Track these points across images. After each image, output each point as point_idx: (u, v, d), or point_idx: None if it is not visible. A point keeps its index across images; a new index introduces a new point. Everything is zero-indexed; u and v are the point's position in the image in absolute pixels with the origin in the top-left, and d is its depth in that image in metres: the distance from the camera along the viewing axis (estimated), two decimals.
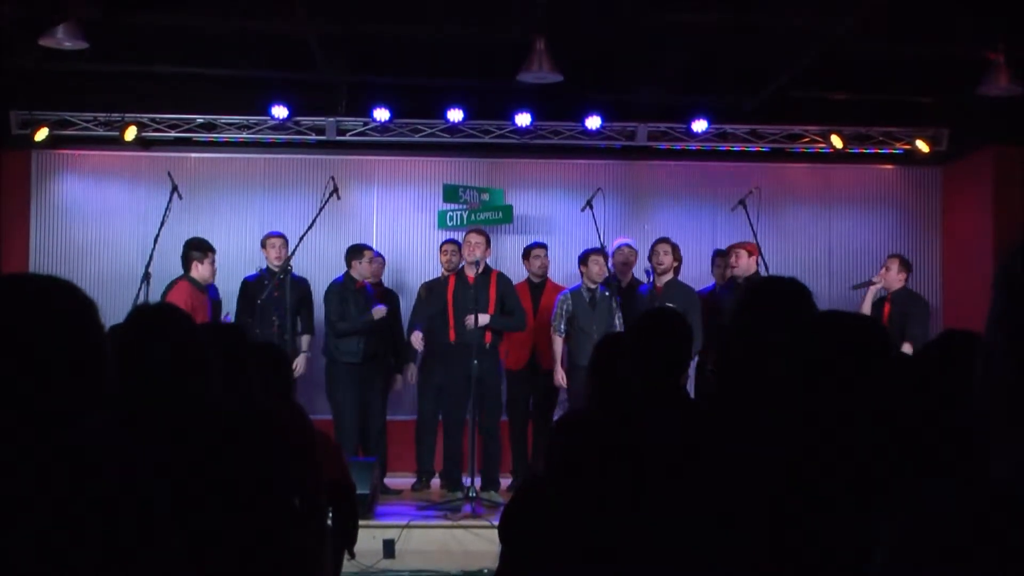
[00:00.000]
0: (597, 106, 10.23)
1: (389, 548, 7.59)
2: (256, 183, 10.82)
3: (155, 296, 8.43)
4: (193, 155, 10.72)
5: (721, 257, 9.55)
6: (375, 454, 8.91)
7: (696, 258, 10.44)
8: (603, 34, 8.91)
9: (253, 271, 9.34)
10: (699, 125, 10.36)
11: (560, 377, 8.80)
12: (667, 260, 8.86)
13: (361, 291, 9.06)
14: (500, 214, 10.41)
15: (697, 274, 10.03)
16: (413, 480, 9.47)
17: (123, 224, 10.61)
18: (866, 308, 8.82)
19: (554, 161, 10.95)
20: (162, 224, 8.90)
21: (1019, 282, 1.19)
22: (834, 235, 11.08)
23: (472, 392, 8.47)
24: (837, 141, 10.54)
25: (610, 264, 9.17)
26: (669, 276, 8.89)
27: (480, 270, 8.67)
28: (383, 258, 9.89)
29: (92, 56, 8.68)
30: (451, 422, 8.93)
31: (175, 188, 9.15)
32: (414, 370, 9.48)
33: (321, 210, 9.09)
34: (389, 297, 9.71)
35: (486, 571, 7.38)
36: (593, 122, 10.28)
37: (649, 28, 8.61)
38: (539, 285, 9.43)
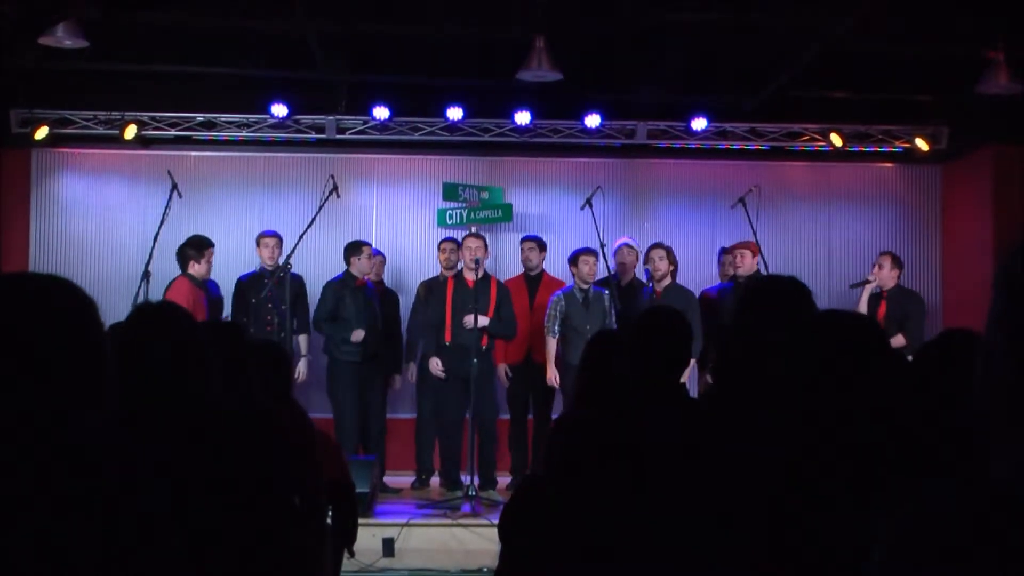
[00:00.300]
0: (597, 104, 10.22)
1: (389, 547, 7.59)
2: (256, 181, 10.82)
3: (155, 295, 8.45)
4: (193, 153, 10.71)
5: (727, 255, 9.55)
6: (375, 453, 8.91)
7: (696, 257, 10.45)
8: (603, 33, 8.92)
9: (249, 270, 9.33)
10: (699, 123, 10.35)
11: (553, 377, 8.80)
12: (663, 266, 8.85)
13: (362, 289, 9.05)
14: (500, 212, 10.41)
15: (697, 274, 10.03)
16: (412, 479, 9.48)
17: (123, 222, 10.61)
18: (862, 307, 8.82)
19: (554, 159, 10.94)
20: (162, 222, 8.91)
21: (1019, 282, 1.19)
22: (833, 233, 11.08)
23: (471, 392, 8.47)
24: (837, 139, 10.54)
25: (612, 264, 9.18)
26: (668, 281, 8.89)
27: (480, 275, 8.67)
28: (383, 256, 9.89)
29: (92, 55, 8.68)
30: (448, 422, 8.94)
31: (175, 186, 9.16)
32: (414, 369, 9.48)
33: (321, 208, 9.09)
34: (388, 297, 9.71)
35: (485, 570, 7.39)
36: (593, 120, 10.28)
37: (649, 27, 8.60)
38: (535, 279, 9.42)
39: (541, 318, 9.02)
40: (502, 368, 9.13)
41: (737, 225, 9.70)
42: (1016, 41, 8.51)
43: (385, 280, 9.93)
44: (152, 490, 1.71)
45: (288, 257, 8.87)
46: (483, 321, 8.63)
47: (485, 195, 10.46)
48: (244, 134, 10.55)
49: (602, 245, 9.02)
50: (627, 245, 9.45)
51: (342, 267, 9.21)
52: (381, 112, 10.20)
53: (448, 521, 7.93)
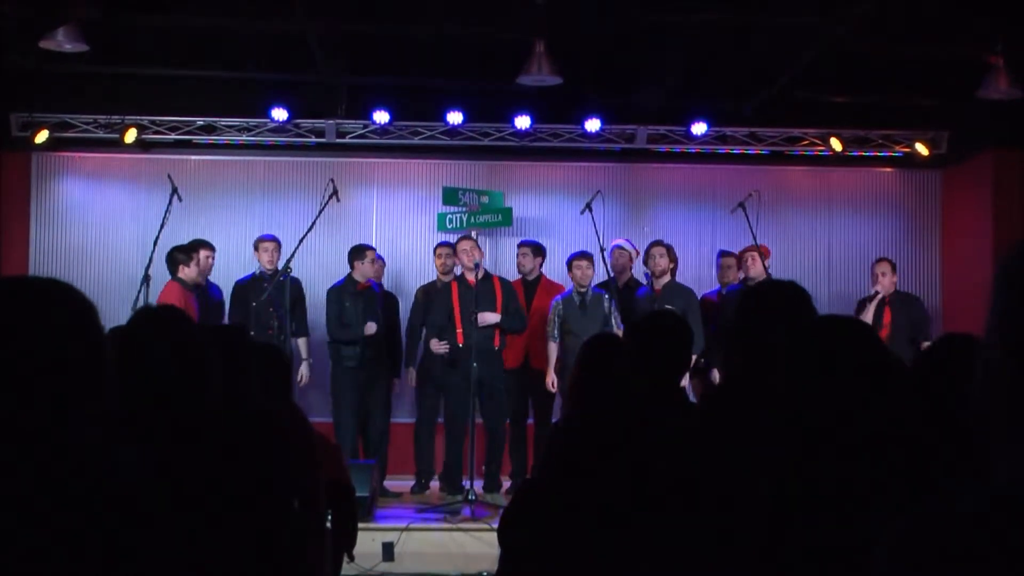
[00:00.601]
0: (596, 109, 10.23)
1: (388, 551, 7.58)
2: (256, 185, 10.82)
3: (154, 299, 8.45)
4: (193, 157, 10.72)
5: (726, 258, 9.55)
6: (376, 456, 8.91)
7: (696, 260, 10.46)
8: (602, 37, 8.92)
9: (246, 274, 9.34)
10: (698, 128, 10.36)
11: (551, 382, 8.82)
12: (663, 263, 8.88)
13: (365, 292, 9.06)
14: (500, 217, 10.41)
15: (697, 276, 10.03)
16: (412, 483, 9.47)
17: (123, 226, 10.61)
18: (867, 318, 8.78)
19: (554, 164, 10.95)
20: (162, 226, 8.91)
21: (1019, 282, 1.19)
22: (834, 238, 11.08)
23: (472, 394, 8.47)
24: (836, 144, 10.55)
25: (609, 266, 9.19)
26: (667, 279, 8.91)
27: (481, 275, 8.68)
28: (383, 260, 9.90)
29: (92, 58, 8.68)
30: (453, 425, 8.92)
31: (175, 190, 9.16)
32: (413, 373, 9.47)
33: (321, 212, 9.09)
34: (388, 300, 9.71)
35: (485, 574, 7.38)
36: (593, 125, 10.29)
37: (648, 31, 8.61)
38: (532, 283, 9.42)
39: (538, 322, 9.02)
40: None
41: (737, 230, 9.71)
42: (1016, 46, 8.52)
43: (385, 284, 9.93)
44: (152, 490, 1.71)
45: (288, 261, 8.87)
46: (494, 318, 8.64)
47: (485, 199, 10.46)
48: (244, 138, 10.56)
49: (602, 249, 9.03)
50: (619, 247, 9.46)
51: (342, 271, 9.21)
52: (381, 116, 10.20)
53: (448, 525, 7.93)
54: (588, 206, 9.18)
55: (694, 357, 8.20)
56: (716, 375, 8.42)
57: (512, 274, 9.60)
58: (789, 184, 11.06)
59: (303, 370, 9.13)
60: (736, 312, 3.26)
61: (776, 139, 10.69)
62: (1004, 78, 8.66)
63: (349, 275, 9.08)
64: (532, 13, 7.99)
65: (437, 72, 9.87)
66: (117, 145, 10.35)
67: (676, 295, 8.73)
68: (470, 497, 8.25)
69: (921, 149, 10.61)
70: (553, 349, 8.85)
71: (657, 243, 9.05)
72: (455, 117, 10.20)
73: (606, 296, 8.86)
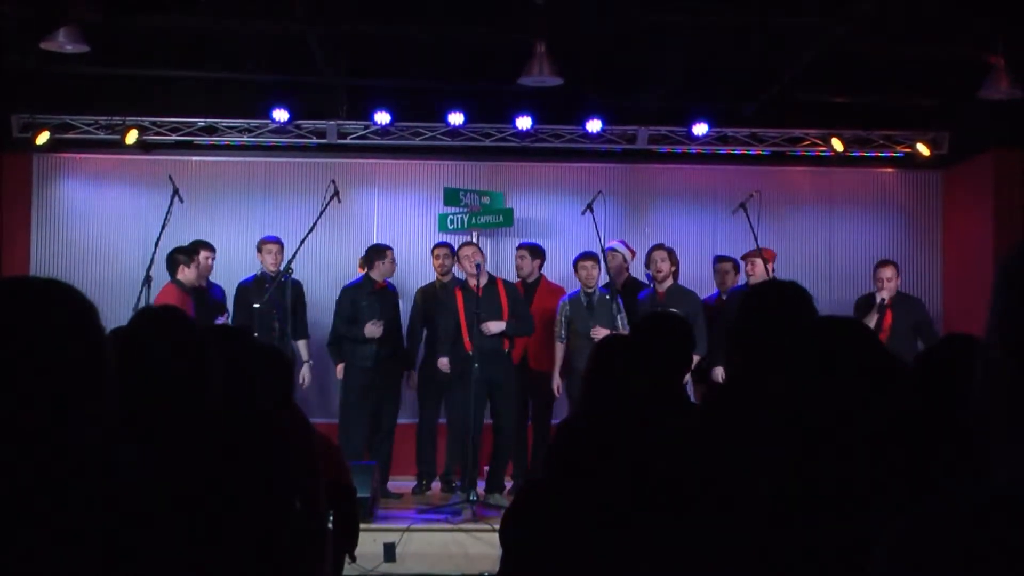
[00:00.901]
0: (597, 109, 10.23)
1: (390, 551, 7.58)
2: (257, 186, 10.83)
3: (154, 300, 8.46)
4: (194, 158, 10.72)
5: (721, 263, 9.54)
6: (380, 453, 8.94)
7: (697, 262, 10.45)
8: (603, 37, 8.92)
9: (248, 275, 9.35)
10: (699, 128, 10.36)
11: (556, 385, 8.81)
12: (664, 267, 8.86)
13: (382, 292, 9.07)
14: (501, 217, 10.42)
15: (698, 278, 10.03)
16: (414, 483, 9.46)
17: (124, 228, 10.61)
18: (870, 323, 8.73)
19: (555, 164, 10.95)
20: (163, 228, 8.91)
21: (1019, 282, 1.19)
22: (835, 238, 11.08)
23: (478, 395, 8.46)
24: (837, 144, 10.55)
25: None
26: (669, 282, 8.90)
27: (484, 280, 8.66)
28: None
29: (93, 59, 8.69)
30: (455, 426, 8.91)
31: (176, 191, 9.16)
32: (414, 376, 9.47)
33: (322, 214, 9.09)
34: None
35: (487, 574, 7.37)
36: (594, 125, 10.29)
37: (649, 31, 8.61)
38: (532, 285, 9.40)
39: (538, 324, 9.02)
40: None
41: (738, 230, 9.71)
42: (1017, 46, 8.51)
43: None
44: (152, 490, 1.71)
45: (289, 262, 8.88)
46: (499, 326, 8.62)
47: (486, 200, 10.46)
48: (245, 139, 10.57)
49: (602, 250, 9.03)
50: (612, 249, 9.41)
51: (343, 271, 9.23)
52: (382, 117, 10.20)
53: (449, 526, 7.93)
54: (589, 207, 9.18)
55: (696, 359, 8.21)
56: (718, 374, 8.42)
57: (512, 276, 9.59)
58: (790, 185, 11.06)
59: (304, 372, 9.14)
60: (737, 312, 3.27)
61: (777, 140, 10.69)
62: (1005, 78, 8.65)
63: (366, 274, 9.08)
64: (533, 14, 7.99)
65: (438, 73, 9.87)
66: (118, 146, 10.36)
67: (680, 299, 8.70)
68: (471, 498, 8.24)
69: (922, 149, 10.61)
70: (560, 350, 8.84)
71: (658, 247, 9.02)
72: (456, 118, 10.21)
73: (608, 297, 8.84)
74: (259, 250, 9.27)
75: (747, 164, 10.83)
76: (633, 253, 9.57)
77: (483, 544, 7.59)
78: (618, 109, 10.36)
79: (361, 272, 9.68)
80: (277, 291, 8.80)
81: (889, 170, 11.12)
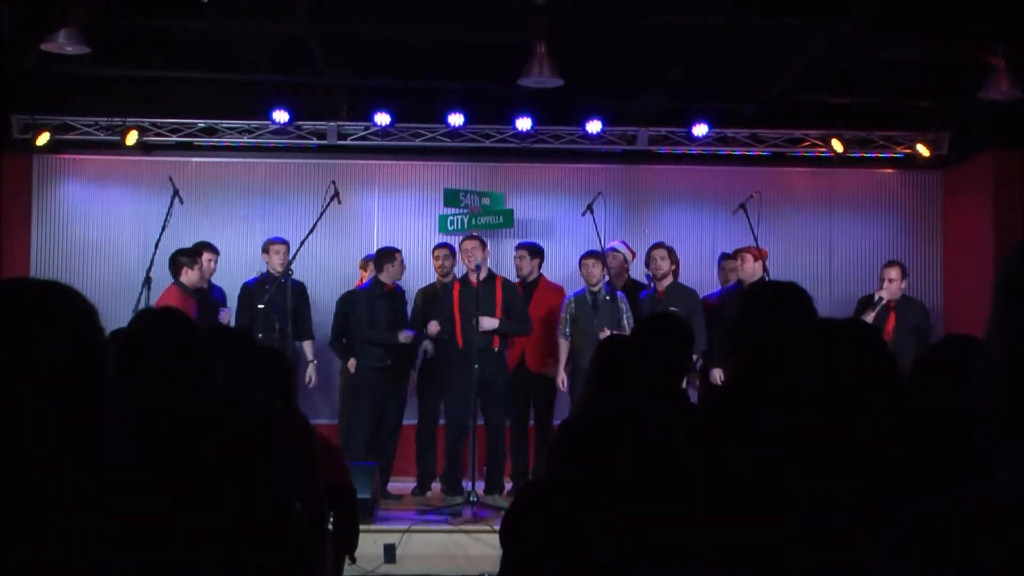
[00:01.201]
0: (598, 110, 10.24)
1: (390, 552, 7.59)
2: (257, 187, 10.83)
3: (154, 303, 8.45)
4: (194, 159, 10.73)
5: (727, 260, 9.55)
6: (385, 453, 8.98)
7: (697, 262, 10.46)
8: (603, 38, 8.92)
9: (252, 276, 9.35)
10: (700, 129, 10.37)
11: (561, 380, 8.82)
12: (664, 265, 8.87)
13: (391, 295, 9.07)
14: (501, 218, 10.42)
15: (699, 278, 10.03)
16: (414, 484, 9.46)
17: (124, 229, 10.61)
18: (870, 321, 8.72)
19: (555, 165, 10.95)
20: (163, 229, 8.91)
21: (1019, 283, 1.19)
22: (835, 239, 11.08)
23: (475, 396, 8.46)
24: (838, 145, 10.55)
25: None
26: (669, 280, 8.90)
27: (484, 275, 8.66)
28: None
29: (93, 60, 8.69)
30: (454, 426, 8.91)
31: (176, 193, 9.16)
32: (414, 376, 9.47)
33: (322, 215, 9.09)
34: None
35: (487, 575, 7.38)
36: (594, 126, 10.29)
37: (649, 32, 8.62)
38: (531, 285, 9.40)
39: (535, 324, 9.02)
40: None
41: (738, 231, 9.70)
42: (1017, 46, 8.52)
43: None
44: (152, 491, 1.71)
45: (289, 263, 8.90)
46: (492, 323, 8.62)
47: (486, 201, 10.46)
48: (245, 140, 10.57)
49: (602, 250, 9.03)
50: (612, 250, 9.41)
51: (343, 272, 9.23)
52: (382, 118, 10.21)
53: (449, 527, 7.93)
54: (589, 208, 9.18)
55: (695, 357, 8.23)
56: (716, 375, 8.43)
57: (512, 276, 9.59)
58: (790, 185, 11.06)
59: (310, 371, 9.19)
60: (737, 312, 3.27)
61: (777, 140, 10.69)
62: (1005, 79, 8.66)
63: (375, 278, 9.08)
64: (533, 14, 7.99)
65: (438, 74, 9.88)
66: (118, 147, 10.36)
67: (680, 296, 8.74)
68: (471, 499, 8.25)
69: (922, 150, 10.61)
70: (564, 347, 8.84)
71: (658, 245, 9.03)
72: (456, 119, 10.21)
73: (621, 296, 8.83)
74: (265, 251, 9.28)
75: (747, 165, 10.84)
76: (634, 254, 9.57)
77: (483, 545, 7.59)
78: (618, 110, 10.37)
79: (362, 274, 9.70)
80: (277, 292, 8.81)
81: (889, 171, 11.13)
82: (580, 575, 3.08)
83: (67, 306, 1.77)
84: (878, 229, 11.03)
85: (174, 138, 10.49)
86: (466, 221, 10.32)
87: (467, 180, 10.83)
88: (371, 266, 9.38)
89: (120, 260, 10.48)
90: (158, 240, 8.83)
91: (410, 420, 9.64)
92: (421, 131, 10.54)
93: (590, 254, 8.95)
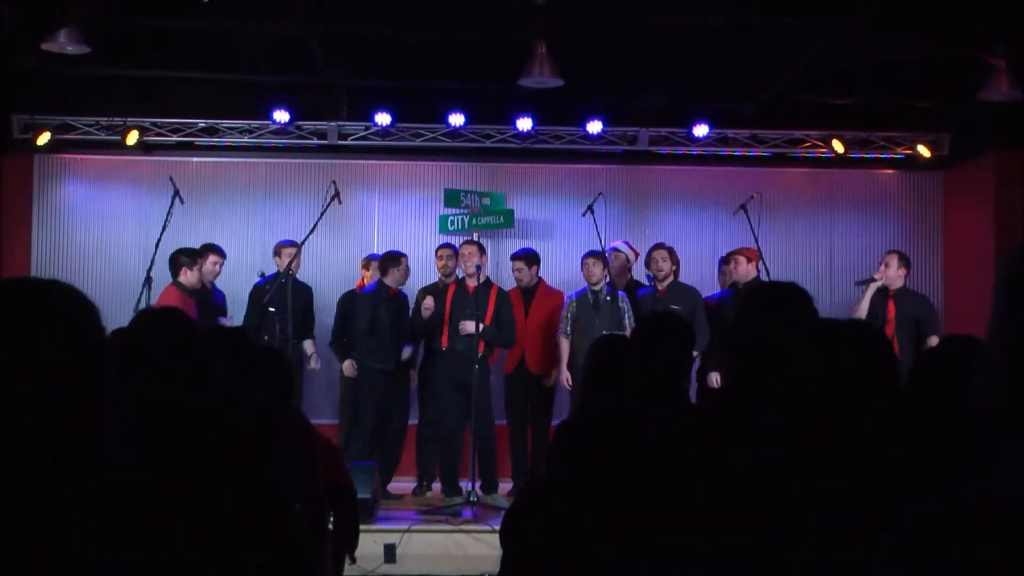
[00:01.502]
0: (598, 110, 10.24)
1: (390, 552, 7.59)
2: (258, 188, 10.83)
3: (154, 302, 8.46)
4: (195, 159, 10.73)
5: (726, 264, 9.54)
6: (391, 454, 9.03)
7: (697, 263, 10.45)
8: (603, 38, 8.92)
9: (256, 276, 9.36)
10: (700, 130, 10.37)
11: (564, 379, 8.82)
12: (665, 266, 8.86)
13: (394, 299, 9.08)
14: (501, 219, 10.42)
15: (699, 279, 10.02)
16: (414, 485, 9.47)
17: (125, 229, 10.61)
18: (864, 305, 8.69)
19: (555, 166, 10.95)
20: (164, 229, 8.91)
21: (1020, 285, 1.19)
22: (835, 240, 11.08)
23: (471, 399, 8.46)
24: (838, 146, 10.55)
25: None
26: (670, 280, 8.90)
27: (481, 280, 8.67)
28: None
29: (94, 60, 8.69)
30: (447, 428, 8.92)
31: (177, 193, 9.16)
32: (415, 376, 9.48)
33: (323, 215, 9.09)
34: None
35: (487, 575, 7.38)
36: (594, 127, 10.30)
37: (650, 32, 8.62)
38: (530, 290, 9.40)
39: (536, 327, 9.02)
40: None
41: (739, 231, 9.70)
42: (1017, 47, 8.52)
43: None
44: (152, 491, 1.71)
45: (289, 264, 8.92)
46: (470, 327, 8.62)
47: (487, 201, 10.46)
48: (246, 140, 10.58)
49: (603, 251, 9.02)
50: (615, 250, 9.41)
51: (343, 273, 9.23)
52: (383, 118, 10.21)
53: (449, 527, 7.93)
54: (590, 208, 9.17)
55: (696, 355, 8.23)
56: (713, 379, 8.42)
57: (512, 277, 9.58)
58: (791, 186, 11.06)
59: (313, 363, 9.32)
60: (737, 313, 3.27)
61: (778, 141, 10.69)
62: (1005, 80, 8.65)
63: (380, 282, 9.08)
64: (533, 14, 7.99)
65: (438, 74, 9.88)
66: (119, 147, 10.36)
67: (681, 295, 8.73)
68: (471, 499, 8.25)
69: (922, 151, 10.61)
70: (565, 346, 8.84)
71: (659, 246, 9.02)
72: (457, 119, 10.22)
73: (623, 296, 8.83)
74: (277, 254, 9.31)
75: (747, 165, 10.84)
76: (637, 254, 9.57)
77: (483, 545, 7.59)
78: (618, 110, 10.37)
79: (364, 274, 9.69)
80: (278, 292, 8.81)
81: (890, 171, 11.13)
82: (580, 575, 3.08)
83: (68, 305, 1.77)
84: (878, 230, 11.03)
85: (174, 138, 10.49)
86: (466, 221, 10.32)
87: (467, 180, 10.83)
88: (373, 266, 9.39)
89: (120, 260, 10.48)
90: (159, 240, 8.83)
91: (411, 421, 9.67)
92: (421, 131, 10.55)
93: (590, 253, 8.95)
